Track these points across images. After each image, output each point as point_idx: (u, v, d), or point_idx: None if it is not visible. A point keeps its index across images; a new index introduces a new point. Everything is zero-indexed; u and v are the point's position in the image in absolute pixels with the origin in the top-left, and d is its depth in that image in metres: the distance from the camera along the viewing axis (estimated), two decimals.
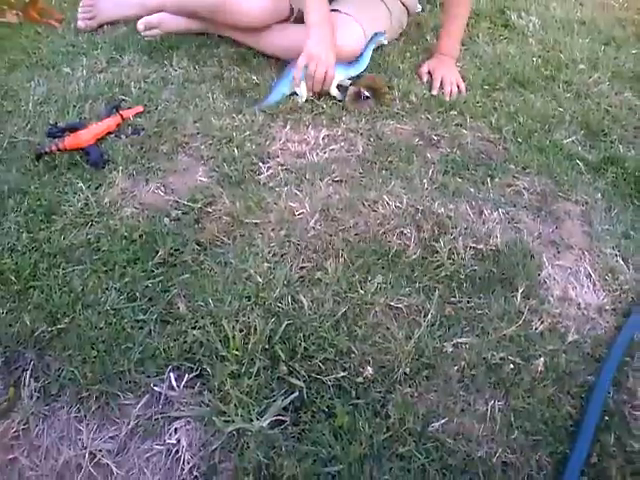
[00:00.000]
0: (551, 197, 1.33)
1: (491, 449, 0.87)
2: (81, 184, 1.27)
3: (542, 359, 0.96)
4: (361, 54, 1.63)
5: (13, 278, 1.06)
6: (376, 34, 1.65)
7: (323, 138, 1.46)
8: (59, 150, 1.33)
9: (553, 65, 1.88)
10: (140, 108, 1.52)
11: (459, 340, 1.00)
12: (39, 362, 0.95)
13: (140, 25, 1.77)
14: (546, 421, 0.91)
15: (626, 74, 1.87)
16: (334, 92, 1.58)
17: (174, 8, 1.80)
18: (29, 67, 1.72)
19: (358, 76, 1.62)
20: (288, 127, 1.49)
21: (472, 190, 1.32)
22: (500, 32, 2.11)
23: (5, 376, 0.93)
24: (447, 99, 1.65)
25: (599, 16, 2.29)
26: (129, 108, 1.51)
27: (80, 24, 1.93)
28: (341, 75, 1.58)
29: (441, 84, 1.68)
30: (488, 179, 1.36)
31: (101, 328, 0.98)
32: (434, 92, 1.66)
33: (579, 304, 1.09)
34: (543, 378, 0.95)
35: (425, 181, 1.34)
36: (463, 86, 1.70)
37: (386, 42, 1.64)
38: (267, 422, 0.86)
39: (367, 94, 1.56)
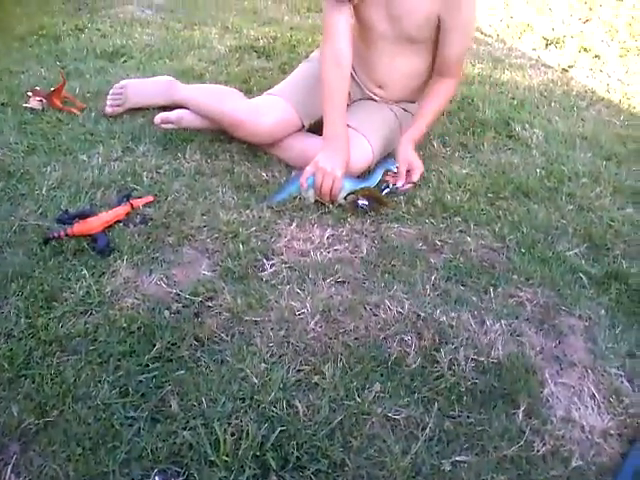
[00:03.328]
0: (554, 310, 1.32)
1: None
2: (85, 271, 1.27)
3: None
4: (373, 172, 1.67)
5: (6, 365, 1.04)
6: (387, 161, 1.70)
7: (328, 238, 1.48)
8: (67, 235, 1.35)
9: (556, 177, 1.93)
10: (150, 198, 1.55)
11: (457, 458, 0.96)
12: (22, 456, 0.91)
13: (157, 119, 1.85)
14: None
15: (627, 190, 1.91)
16: (342, 202, 1.61)
17: (195, 109, 1.89)
18: (47, 152, 1.77)
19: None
20: (294, 225, 1.51)
21: (474, 299, 1.32)
22: (504, 142, 2.18)
23: None
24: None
25: (600, 132, 2.37)
26: (140, 197, 1.54)
27: (108, 110, 2.01)
28: (349, 188, 1.60)
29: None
30: (491, 288, 1.36)
31: (89, 424, 0.96)
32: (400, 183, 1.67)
33: (583, 427, 1.06)
34: None
35: (428, 287, 1.34)
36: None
37: (395, 170, 1.67)
38: None
39: (364, 203, 1.58)
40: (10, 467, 0.90)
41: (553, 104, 2.64)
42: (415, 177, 1.67)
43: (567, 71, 3.22)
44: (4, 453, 0.92)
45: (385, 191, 1.65)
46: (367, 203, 1.58)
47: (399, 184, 1.65)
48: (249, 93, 2.18)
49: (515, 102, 2.58)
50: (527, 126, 2.32)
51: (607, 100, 2.83)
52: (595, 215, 1.74)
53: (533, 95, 2.72)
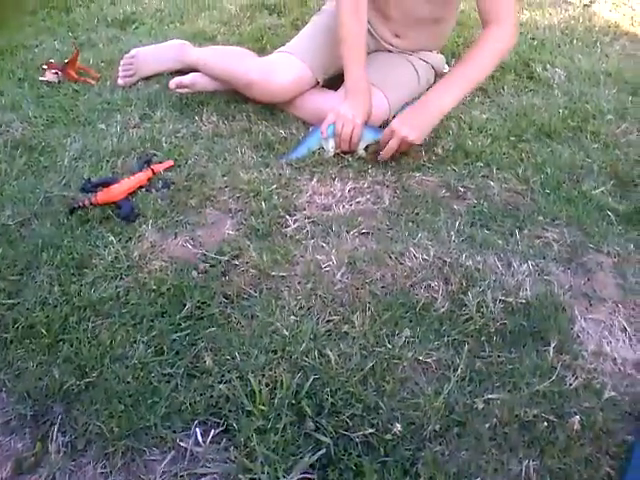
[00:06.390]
0: (581, 249, 1.31)
1: None
2: (112, 238, 1.29)
3: (577, 417, 0.93)
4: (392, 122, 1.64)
5: (44, 331, 1.07)
6: (407, 105, 1.68)
7: (349, 191, 1.47)
8: (92, 204, 1.37)
9: (580, 116, 1.88)
10: (171, 162, 1.56)
11: (490, 396, 0.97)
12: (67, 416, 0.95)
13: (172, 84, 1.84)
14: None
15: None
16: (361, 153, 1.60)
17: (207, 72, 1.88)
18: (66, 124, 1.79)
19: None
20: (315, 180, 1.51)
21: (500, 242, 1.31)
22: (525, 84, 2.12)
23: (33, 430, 0.93)
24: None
25: (625, 67, 2.29)
26: (160, 162, 1.55)
27: (120, 82, 2.01)
28: (370, 138, 1.59)
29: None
30: (516, 231, 1.35)
31: (128, 382, 0.98)
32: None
33: (615, 359, 1.06)
34: (579, 437, 0.91)
35: (452, 233, 1.33)
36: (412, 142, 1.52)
37: None
38: None
39: None
40: (56, 427, 0.93)
41: (575, 42, 2.55)
42: (387, 151, 1.52)
43: (589, 6, 3.10)
44: (49, 414, 0.96)
45: None
46: None
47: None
48: (262, 52, 2.15)
49: (535, 42, 2.50)
50: (548, 66, 2.25)
51: (632, 34, 2.73)
52: (621, 152, 1.70)
53: (554, 34, 2.63)
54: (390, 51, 1.86)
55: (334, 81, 1.79)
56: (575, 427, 0.92)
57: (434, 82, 2.00)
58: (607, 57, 2.42)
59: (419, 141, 1.54)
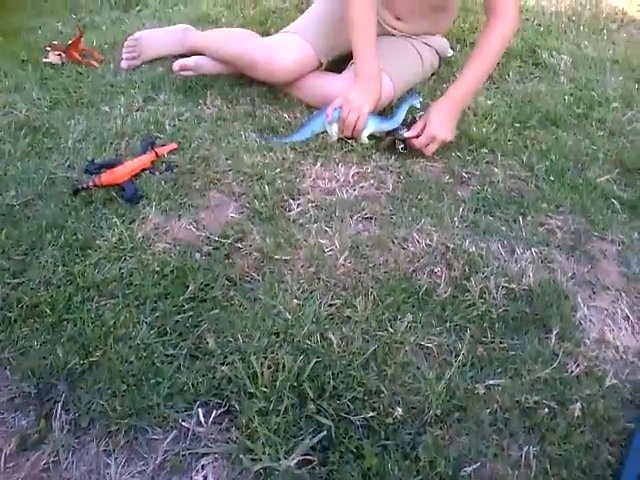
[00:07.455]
0: (585, 236, 1.31)
1: None
2: (116, 219, 1.29)
3: (579, 404, 0.93)
4: (396, 110, 1.61)
5: (48, 311, 1.08)
6: (411, 96, 1.63)
7: (353, 175, 1.47)
8: (95, 186, 1.37)
9: (585, 103, 1.87)
10: (174, 145, 1.55)
11: (491, 382, 0.97)
12: (70, 395, 0.95)
13: (176, 66, 1.83)
14: (584, 469, 0.87)
15: None
16: (364, 140, 1.59)
17: (211, 54, 1.87)
18: (70, 106, 1.78)
19: (394, 129, 1.58)
20: (318, 164, 1.50)
21: (504, 228, 1.31)
22: (531, 71, 2.12)
23: (37, 407, 0.94)
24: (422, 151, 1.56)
25: (633, 54, 2.28)
26: (163, 145, 1.54)
27: (123, 64, 2.01)
28: (373, 127, 1.58)
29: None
30: (520, 217, 1.35)
31: (131, 362, 0.99)
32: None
33: (617, 347, 1.06)
34: (580, 424, 0.92)
35: (456, 219, 1.33)
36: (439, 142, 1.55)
37: (419, 106, 1.61)
38: (295, 461, 0.84)
39: (402, 146, 1.56)
40: (60, 404, 0.94)
41: (582, 28, 2.55)
42: (429, 151, 1.55)
43: None
44: (53, 392, 0.96)
45: (401, 146, 1.58)
46: (404, 145, 1.56)
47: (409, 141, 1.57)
48: (266, 35, 2.13)
49: (541, 29, 2.50)
50: (554, 53, 2.25)
51: (639, 21, 2.71)
52: (627, 140, 1.70)
53: (560, 20, 2.63)
54: (393, 35, 1.84)
55: (338, 64, 1.78)
56: (576, 414, 0.92)
57: (438, 66, 2.00)
58: (614, 44, 2.41)
59: (452, 138, 1.58)
